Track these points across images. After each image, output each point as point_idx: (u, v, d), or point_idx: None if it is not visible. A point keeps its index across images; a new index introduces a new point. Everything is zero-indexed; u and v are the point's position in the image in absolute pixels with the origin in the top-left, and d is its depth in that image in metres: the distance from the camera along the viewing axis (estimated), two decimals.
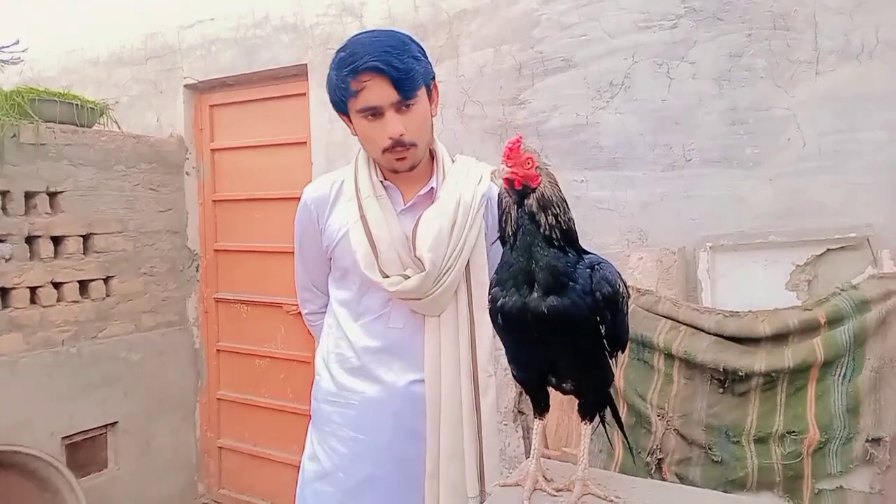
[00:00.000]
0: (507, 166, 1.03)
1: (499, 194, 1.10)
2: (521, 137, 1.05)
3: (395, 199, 1.50)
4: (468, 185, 1.49)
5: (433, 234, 1.42)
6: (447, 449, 1.45)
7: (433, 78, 1.48)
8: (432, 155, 1.55)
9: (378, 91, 1.36)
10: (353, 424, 1.52)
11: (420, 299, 1.44)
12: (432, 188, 1.50)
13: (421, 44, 1.45)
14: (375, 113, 1.39)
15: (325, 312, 1.67)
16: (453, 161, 1.56)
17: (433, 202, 1.48)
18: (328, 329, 1.61)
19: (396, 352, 1.50)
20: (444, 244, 1.43)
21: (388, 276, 1.43)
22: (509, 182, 1.04)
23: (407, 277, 1.42)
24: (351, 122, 1.46)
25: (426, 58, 1.44)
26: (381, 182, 1.49)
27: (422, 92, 1.43)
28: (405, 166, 1.46)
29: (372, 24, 2.93)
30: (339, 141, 2.97)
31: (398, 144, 1.41)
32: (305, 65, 3.15)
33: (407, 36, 1.43)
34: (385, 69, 1.34)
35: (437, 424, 1.46)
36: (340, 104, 1.44)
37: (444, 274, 1.43)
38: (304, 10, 3.16)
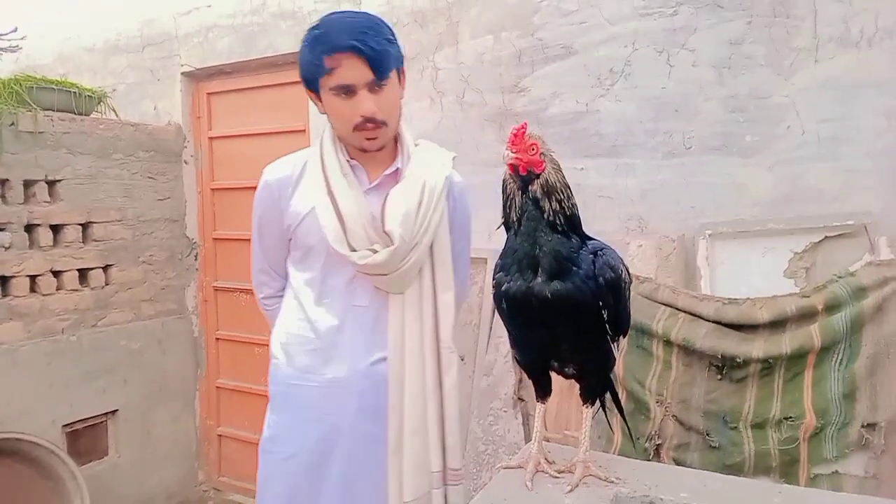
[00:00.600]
0: (512, 152, 1.04)
1: (503, 180, 1.11)
2: (525, 124, 1.06)
3: (361, 178, 1.53)
4: (432, 168, 1.54)
5: (402, 210, 1.46)
6: (410, 424, 1.48)
7: (402, 63, 1.52)
8: (396, 139, 1.58)
9: (353, 70, 1.39)
10: (317, 406, 1.53)
11: (386, 275, 1.47)
12: (398, 168, 1.53)
13: (393, 28, 1.48)
14: (349, 91, 1.41)
15: (281, 296, 1.67)
16: (416, 144, 1.59)
17: (398, 182, 1.51)
18: (287, 311, 1.62)
19: (360, 330, 1.52)
20: (411, 221, 1.46)
21: (356, 251, 1.46)
22: (514, 168, 1.05)
23: (375, 252, 1.45)
24: (320, 100, 1.49)
25: (397, 42, 1.48)
26: (348, 161, 1.52)
27: (393, 74, 1.46)
28: (375, 146, 1.50)
29: (371, 11, 2.91)
30: None
31: (370, 121, 1.44)
32: None
33: (380, 19, 1.46)
34: (362, 49, 1.37)
35: (400, 401, 1.49)
36: (312, 81, 1.46)
37: (412, 250, 1.47)
38: None
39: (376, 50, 1.38)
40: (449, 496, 1.52)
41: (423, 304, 1.50)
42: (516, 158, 1.05)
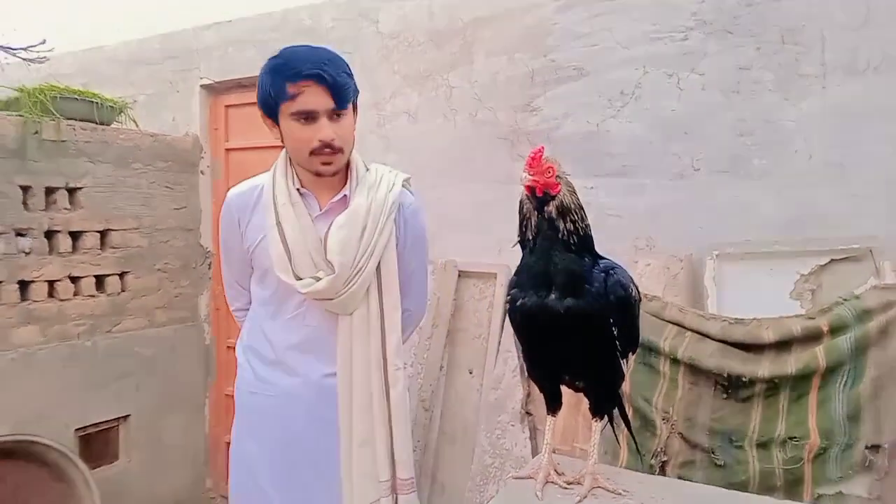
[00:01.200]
0: (529, 174, 1.09)
1: (520, 200, 1.15)
2: (542, 148, 1.11)
3: (311, 204, 1.60)
4: (380, 192, 1.60)
5: (342, 238, 1.53)
6: (359, 436, 1.57)
7: (358, 95, 1.60)
8: (347, 165, 1.64)
9: (316, 97, 1.46)
10: (271, 414, 1.64)
11: (332, 299, 1.55)
12: (345, 195, 1.60)
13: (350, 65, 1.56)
14: (309, 117, 1.48)
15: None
16: (367, 170, 1.66)
17: (346, 208, 1.58)
18: (249, 323, 1.74)
19: (311, 347, 1.61)
20: (353, 248, 1.53)
21: (300, 279, 1.53)
22: (531, 189, 1.10)
23: (318, 279, 1.52)
24: (277, 126, 1.55)
25: (353, 77, 1.56)
26: (298, 189, 1.58)
27: (350, 105, 1.55)
28: (330, 171, 1.56)
29: (388, 30, 2.99)
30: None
31: (327, 147, 1.50)
32: None
33: (337, 54, 1.54)
34: (325, 77, 1.45)
35: (349, 414, 1.58)
36: (272, 107, 1.52)
37: (355, 276, 1.54)
38: (320, 14, 3.22)
39: (337, 80, 1.47)
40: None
41: (370, 324, 1.59)
42: (533, 180, 1.09)
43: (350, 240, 1.53)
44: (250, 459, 1.67)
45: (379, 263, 1.58)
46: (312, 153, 1.51)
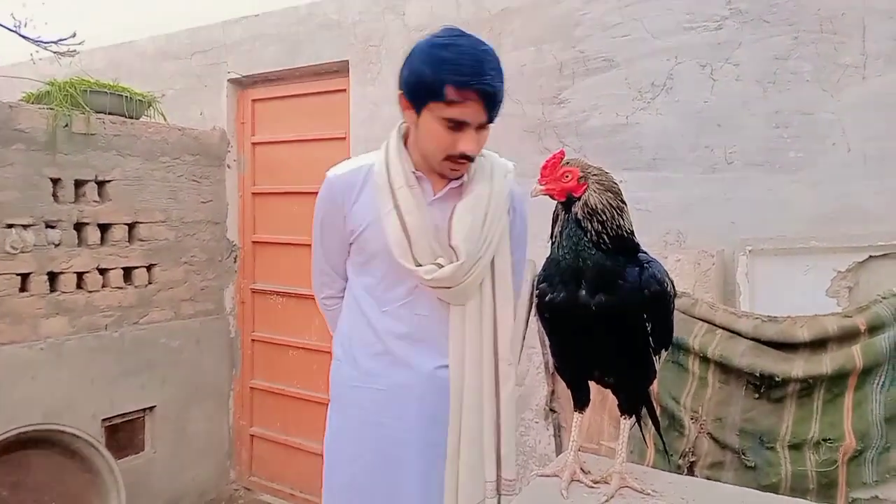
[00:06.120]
0: (540, 184, 1.06)
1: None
2: (562, 152, 1.08)
3: (426, 189, 1.52)
4: (497, 180, 1.53)
5: (468, 224, 1.46)
6: (467, 434, 1.49)
7: None
8: None
9: (473, 111, 1.37)
10: (378, 409, 1.55)
11: (451, 287, 1.47)
12: (462, 182, 1.52)
13: None
14: (459, 126, 1.39)
15: (342, 297, 1.69)
16: (481, 155, 1.56)
17: (463, 195, 1.50)
18: (349, 313, 1.63)
19: (422, 337, 1.53)
20: (477, 235, 1.46)
21: (421, 265, 1.46)
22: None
23: (440, 266, 1.45)
24: (417, 113, 1.44)
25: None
26: (413, 172, 1.50)
27: None
28: (457, 175, 1.50)
29: (414, 23, 2.96)
30: (378, 137, 2.98)
31: (466, 157, 1.43)
32: (347, 61, 3.19)
33: (496, 56, 1.42)
34: (489, 92, 1.35)
35: (459, 410, 1.50)
36: (420, 97, 1.41)
37: (475, 264, 1.47)
38: (346, 8, 3.21)
39: (497, 94, 1.37)
40: None
41: (482, 317, 1.51)
42: (546, 189, 1.07)
43: (475, 226, 1.46)
44: (350, 456, 1.59)
45: (494, 254, 1.51)
46: (448, 158, 1.44)
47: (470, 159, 1.45)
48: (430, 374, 1.51)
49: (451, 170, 1.47)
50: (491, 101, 1.37)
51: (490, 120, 1.41)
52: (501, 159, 1.61)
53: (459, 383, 1.50)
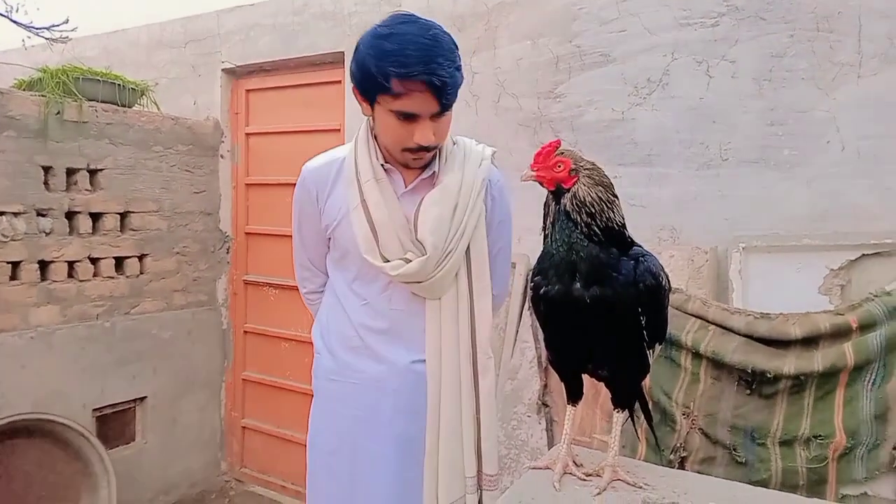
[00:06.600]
0: (532, 170, 1.06)
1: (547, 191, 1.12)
2: (559, 142, 1.08)
3: (396, 181, 1.49)
4: (469, 168, 1.49)
5: (435, 217, 1.43)
6: (446, 428, 1.48)
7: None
8: None
9: (421, 101, 1.33)
10: (354, 402, 1.54)
11: (421, 282, 1.45)
12: (434, 172, 1.49)
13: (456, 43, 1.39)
14: (410, 118, 1.36)
15: (323, 291, 1.68)
16: (454, 143, 1.54)
17: (434, 185, 1.47)
18: (328, 307, 1.62)
19: (398, 332, 1.52)
20: (445, 228, 1.43)
21: (388, 261, 1.44)
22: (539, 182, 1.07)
23: (408, 261, 1.43)
24: (371, 107, 1.41)
25: (461, 69, 1.39)
26: (382, 165, 1.47)
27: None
28: (419, 165, 1.47)
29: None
30: None
31: (423, 149, 1.40)
32: (342, 52, 3.18)
33: (451, 39, 1.38)
34: (436, 83, 1.29)
35: (437, 404, 1.48)
36: (369, 91, 1.38)
37: (446, 258, 1.44)
38: None
39: (447, 82, 1.30)
40: (484, 501, 1.51)
41: (459, 310, 1.49)
42: (537, 175, 1.06)
43: (442, 219, 1.42)
44: (329, 449, 1.58)
45: (469, 245, 1.48)
46: (405, 150, 1.41)
47: (429, 150, 1.41)
48: (406, 367, 1.50)
49: (414, 160, 1.44)
50: (440, 91, 1.31)
51: (444, 109, 1.35)
52: (479, 146, 1.56)
53: (437, 378, 1.48)
